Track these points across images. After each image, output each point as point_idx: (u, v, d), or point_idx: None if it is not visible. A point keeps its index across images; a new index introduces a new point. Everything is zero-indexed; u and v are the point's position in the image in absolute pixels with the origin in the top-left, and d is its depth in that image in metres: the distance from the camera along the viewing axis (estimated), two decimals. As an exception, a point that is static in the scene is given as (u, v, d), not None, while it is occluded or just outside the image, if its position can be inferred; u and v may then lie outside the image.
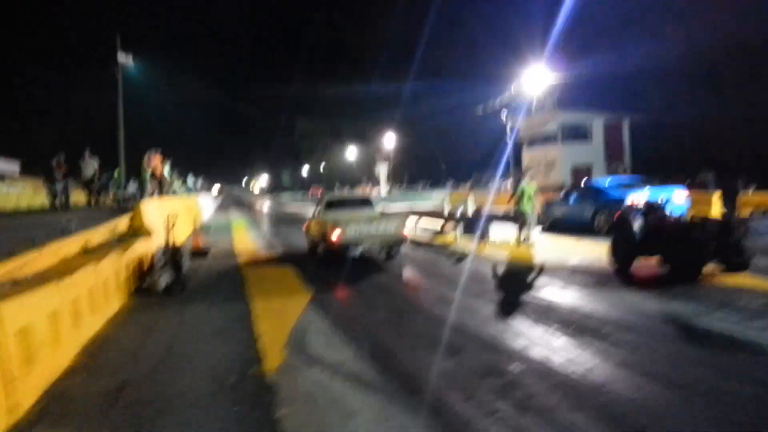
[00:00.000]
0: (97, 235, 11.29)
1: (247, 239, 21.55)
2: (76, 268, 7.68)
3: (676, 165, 27.25)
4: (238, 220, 34.11)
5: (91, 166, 19.41)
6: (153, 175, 18.91)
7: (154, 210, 15.61)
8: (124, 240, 12.31)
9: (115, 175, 25.70)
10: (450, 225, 17.82)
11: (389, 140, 65.89)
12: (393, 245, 13.42)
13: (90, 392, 5.40)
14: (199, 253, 15.68)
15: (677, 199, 15.36)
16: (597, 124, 29.56)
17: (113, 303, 9.14)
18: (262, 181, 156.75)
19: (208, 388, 5.37)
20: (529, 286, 9.43)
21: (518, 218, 14.09)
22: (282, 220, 34.23)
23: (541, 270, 10.52)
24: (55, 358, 5.96)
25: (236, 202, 78.11)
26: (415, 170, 68.00)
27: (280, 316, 8.24)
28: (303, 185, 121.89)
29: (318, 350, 6.25)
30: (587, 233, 15.32)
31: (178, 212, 14.81)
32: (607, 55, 30.52)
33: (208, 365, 6.05)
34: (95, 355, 6.71)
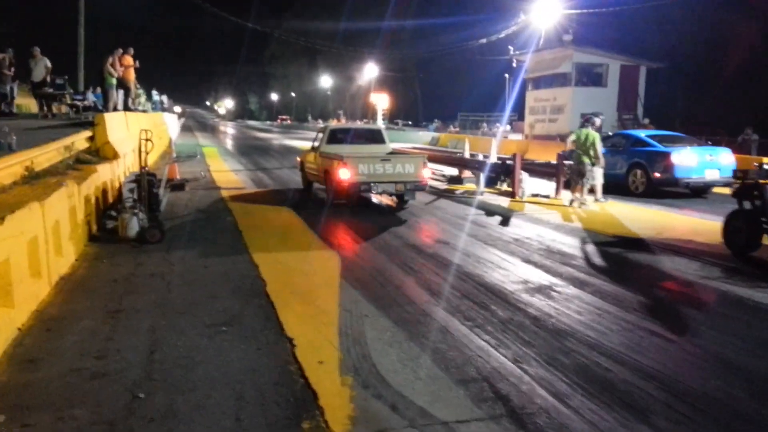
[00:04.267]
0: (47, 153, 8.48)
1: (224, 169, 18.79)
2: (12, 207, 5.03)
3: (692, 121, 25.24)
4: (208, 146, 30.99)
5: (41, 65, 15.99)
6: (120, 81, 15.65)
7: (120, 125, 12.70)
8: (83, 162, 9.52)
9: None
10: (467, 172, 15.40)
11: (370, 71, 61.94)
12: (410, 190, 11.03)
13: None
14: (174, 185, 12.91)
15: (725, 161, 13.20)
16: (613, 68, 26.90)
17: (66, 255, 6.50)
18: (226, 105, 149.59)
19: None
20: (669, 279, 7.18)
21: (577, 172, 11.63)
22: (256, 149, 31.26)
23: (643, 246, 8.18)
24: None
25: (201, 125, 73.84)
26: (394, 109, 64.29)
27: (310, 295, 5.77)
28: (271, 113, 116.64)
29: (405, 383, 3.85)
30: (618, 192, 12.87)
31: (151, 130, 11.92)
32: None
33: (224, 398, 3.61)
34: (33, 359, 4.17)
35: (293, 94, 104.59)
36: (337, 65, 79.49)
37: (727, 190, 13.72)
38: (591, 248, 8.05)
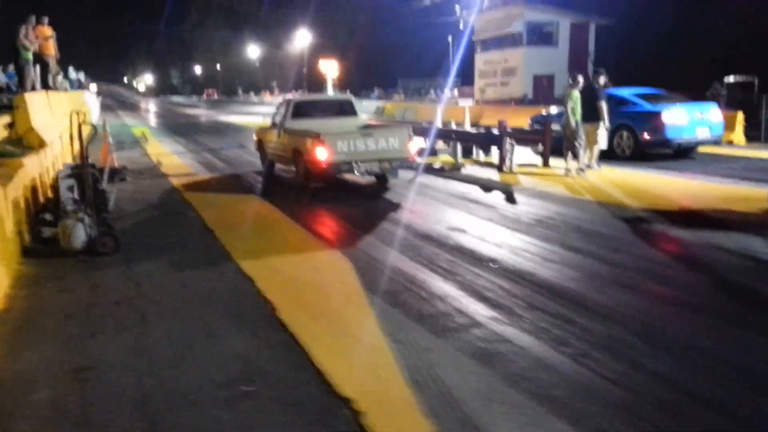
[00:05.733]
0: (-45, 148, 6.68)
1: (164, 152, 16.82)
2: None
3: (643, 78, 24.88)
4: (137, 126, 28.44)
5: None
6: (36, 55, 13.39)
7: (44, 107, 10.73)
8: (3, 155, 7.71)
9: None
10: (441, 143, 14.16)
11: (302, 39, 59.28)
12: (395, 167, 9.77)
13: None
14: (120, 176, 11.05)
15: (714, 119, 12.60)
16: (564, 26, 26.05)
17: (-4, 284, 4.90)
18: (146, 81, 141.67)
19: None
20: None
21: (572, 137, 10.64)
22: (191, 127, 29.08)
23: (682, 219, 7.24)
24: None
25: (121, 103, 69.27)
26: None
27: (338, 320, 4.45)
28: (196, 88, 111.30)
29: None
30: (602, 157, 11.68)
31: (84, 111, 10.08)
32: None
33: None
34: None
35: (218, 67, 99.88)
36: (264, 34, 76.14)
37: (715, 149, 13.25)
38: (630, 227, 7.01)
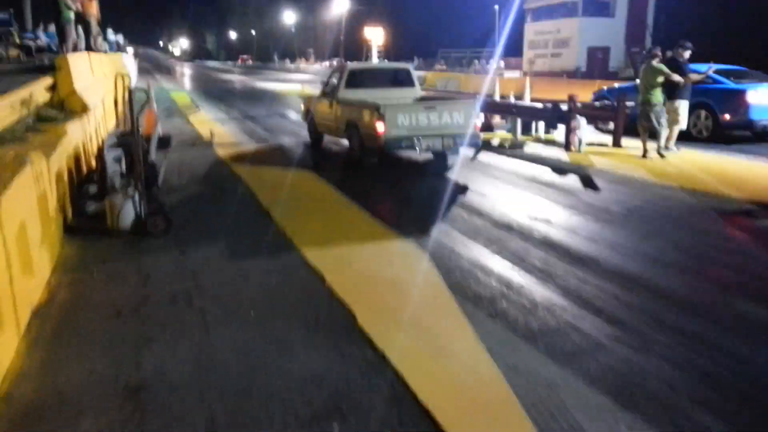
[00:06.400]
0: (-5, 113, 6.13)
1: (207, 119, 16.26)
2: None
3: (709, 56, 23.32)
4: (176, 91, 27.94)
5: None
6: (79, 15, 12.81)
7: (86, 70, 10.16)
8: (45, 120, 7.16)
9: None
10: (497, 118, 13.26)
11: (340, 5, 57.95)
12: (459, 144, 8.98)
13: None
14: (162, 143, 10.48)
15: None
16: (623, -3, 24.68)
17: (37, 271, 4.34)
18: (182, 44, 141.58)
19: None
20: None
21: (647, 115, 9.70)
22: (230, 93, 28.56)
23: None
24: None
25: (157, 67, 68.92)
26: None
27: (429, 332, 3.77)
28: (230, 53, 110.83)
29: None
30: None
31: (127, 75, 9.47)
32: None
33: None
34: None
35: (253, 32, 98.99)
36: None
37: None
38: (741, 224, 6.18)
